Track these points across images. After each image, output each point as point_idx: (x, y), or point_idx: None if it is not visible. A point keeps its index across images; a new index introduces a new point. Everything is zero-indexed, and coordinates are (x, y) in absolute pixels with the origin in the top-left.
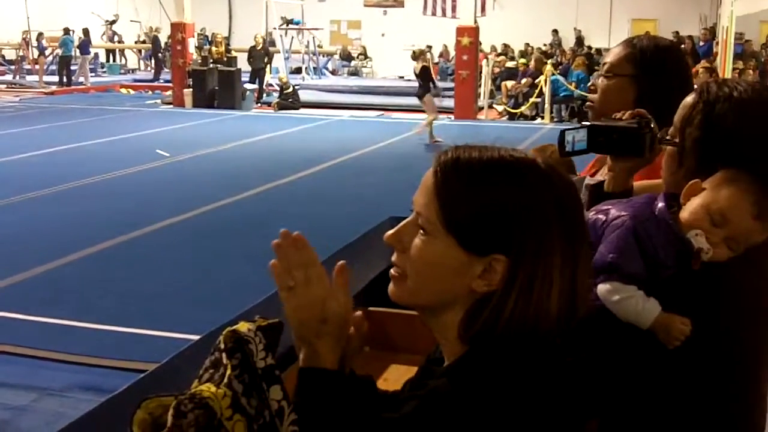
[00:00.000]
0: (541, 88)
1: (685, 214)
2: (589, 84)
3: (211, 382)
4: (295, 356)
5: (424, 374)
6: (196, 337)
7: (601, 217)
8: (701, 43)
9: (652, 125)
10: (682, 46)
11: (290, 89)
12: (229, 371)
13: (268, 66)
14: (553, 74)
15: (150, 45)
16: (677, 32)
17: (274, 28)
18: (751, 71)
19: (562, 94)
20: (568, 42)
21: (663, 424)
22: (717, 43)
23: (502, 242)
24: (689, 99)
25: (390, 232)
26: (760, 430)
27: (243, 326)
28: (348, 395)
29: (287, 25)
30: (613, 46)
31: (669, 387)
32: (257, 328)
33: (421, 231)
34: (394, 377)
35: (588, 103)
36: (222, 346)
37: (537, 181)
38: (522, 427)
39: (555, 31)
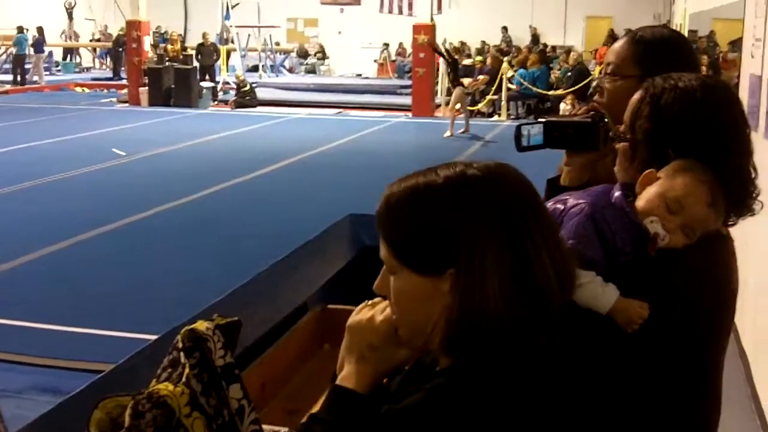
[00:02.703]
0: (499, 84)
1: (641, 202)
2: (594, 84)
3: (169, 381)
4: (254, 355)
5: (417, 372)
6: (154, 337)
7: (560, 206)
8: None
9: (606, 119)
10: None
11: (247, 87)
12: (187, 370)
13: (221, 63)
14: (511, 72)
15: (105, 43)
16: (630, 29)
17: (231, 26)
18: (704, 67)
19: (520, 91)
20: (523, 40)
21: (622, 407)
22: None
23: (447, 256)
24: (636, 96)
25: (375, 283)
26: (716, 412)
27: (201, 325)
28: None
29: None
30: (617, 44)
31: (628, 370)
32: (215, 326)
33: (391, 274)
34: None
35: (593, 104)
36: (180, 345)
37: (454, 193)
38: (517, 425)
39: (504, 29)
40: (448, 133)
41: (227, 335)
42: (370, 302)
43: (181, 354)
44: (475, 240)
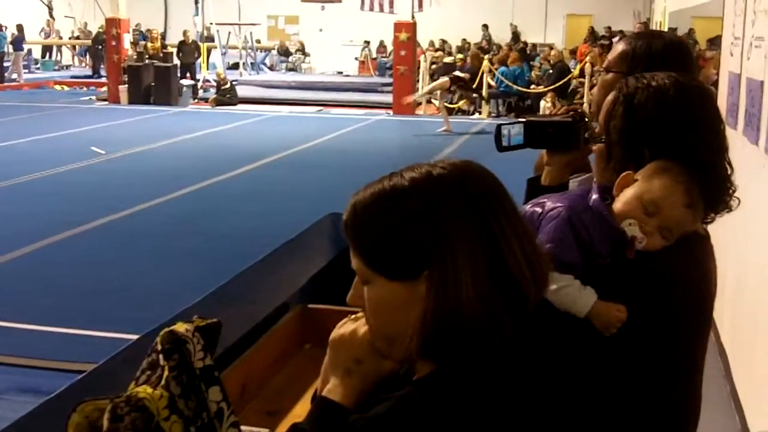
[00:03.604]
0: (480, 82)
1: (618, 204)
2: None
3: (148, 384)
4: (235, 355)
5: (391, 382)
6: (133, 337)
7: (537, 209)
8: None
9: (586, 119)
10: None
11: (228, 85)
12: (166, 372)
13: (201, 61)
14: (492, 69)
15: (84, 41)
16: (610, 27)
17: (211, 24)
18: None
19: (500, 89)
20: (504, 38)
21: (602, 410)
22: None
23: (420, 258)
24: (610, 96)
25: (348, 295)
26: (696, 413)
27: (180, 327)
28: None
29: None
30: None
31: (606, 373)
32: (195, 328)
33: (364, 284)
34: None
35: (590, 97)
36: (159, 347)
37: (421, 193)
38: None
39: (485, 26)
40: (444, 128)
41: (207, 337)
42: (352, 316)
43: (160, 356)
44: (446, 237)
